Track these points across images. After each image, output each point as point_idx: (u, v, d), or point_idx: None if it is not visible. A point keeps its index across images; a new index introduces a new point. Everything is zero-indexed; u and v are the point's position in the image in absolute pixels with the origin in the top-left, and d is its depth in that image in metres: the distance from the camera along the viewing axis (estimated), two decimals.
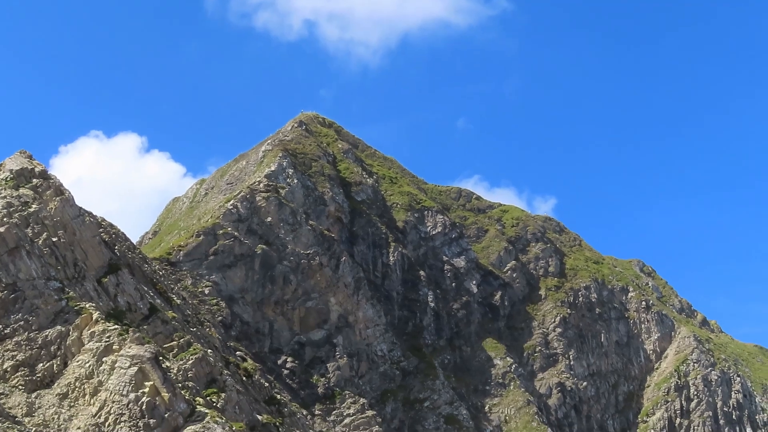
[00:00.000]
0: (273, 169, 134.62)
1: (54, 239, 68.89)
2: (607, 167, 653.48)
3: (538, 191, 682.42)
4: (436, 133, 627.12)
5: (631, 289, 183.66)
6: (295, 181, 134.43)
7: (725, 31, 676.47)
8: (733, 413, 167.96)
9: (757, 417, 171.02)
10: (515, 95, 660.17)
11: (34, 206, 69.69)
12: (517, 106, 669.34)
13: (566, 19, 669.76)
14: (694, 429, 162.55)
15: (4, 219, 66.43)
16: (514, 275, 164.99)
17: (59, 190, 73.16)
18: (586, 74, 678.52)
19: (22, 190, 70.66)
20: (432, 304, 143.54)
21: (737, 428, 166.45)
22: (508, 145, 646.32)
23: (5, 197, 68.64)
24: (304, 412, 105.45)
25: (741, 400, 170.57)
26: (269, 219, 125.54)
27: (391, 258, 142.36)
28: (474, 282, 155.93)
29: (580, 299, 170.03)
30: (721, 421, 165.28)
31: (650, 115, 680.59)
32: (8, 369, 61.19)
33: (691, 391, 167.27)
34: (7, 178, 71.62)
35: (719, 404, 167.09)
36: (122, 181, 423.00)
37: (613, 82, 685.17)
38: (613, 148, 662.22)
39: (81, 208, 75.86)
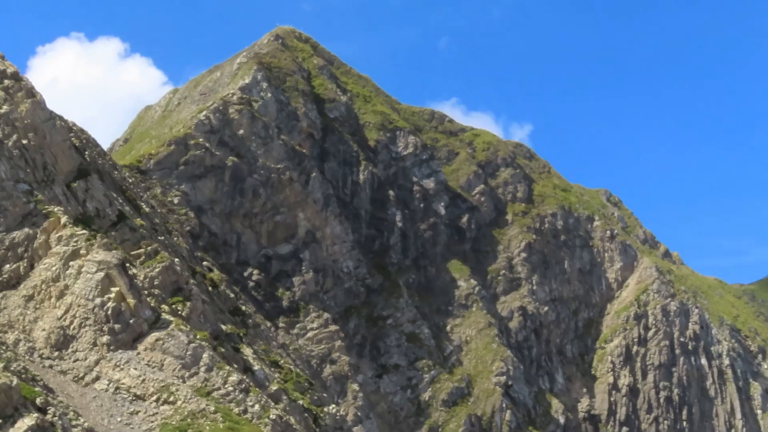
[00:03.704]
0: (247, 81, 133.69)
1: (24, 142, 68.46)
2: (584, 98, 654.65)
3: (515, 117, 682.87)
4: (418, 52, 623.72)
5: (596, 218, 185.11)
6: (269, 95, 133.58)
7: None
8: (690, 344, 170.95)
9: (712, 348, 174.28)
10: (502, 17, 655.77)
11: (4, 108, 69.10)
12: (502, 30, 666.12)
13: None
14: (650, 357, 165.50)
15: None
16: (482, 199, 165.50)
17: (31, 93, 72.47)
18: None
19: None
20: (399, 224, 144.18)
21: (692, 358, 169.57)
22: (489, 68, 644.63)
23: None
24: (268, 324, 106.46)
25: (698, 332, 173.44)
26: (241, 131, 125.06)
27: (361, 176, 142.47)
28: (442, 204, 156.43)
29: (546, 226, 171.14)
30: (677, 351, 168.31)
31: (629, 49, 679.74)
32: None
33: (650, 320, 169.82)
34: None
35: (676, 334, 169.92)
36: (101, 86, 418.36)
37: (600, 12, 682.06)
38: (592, 79, 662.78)
39: (52, 111, 75.22)
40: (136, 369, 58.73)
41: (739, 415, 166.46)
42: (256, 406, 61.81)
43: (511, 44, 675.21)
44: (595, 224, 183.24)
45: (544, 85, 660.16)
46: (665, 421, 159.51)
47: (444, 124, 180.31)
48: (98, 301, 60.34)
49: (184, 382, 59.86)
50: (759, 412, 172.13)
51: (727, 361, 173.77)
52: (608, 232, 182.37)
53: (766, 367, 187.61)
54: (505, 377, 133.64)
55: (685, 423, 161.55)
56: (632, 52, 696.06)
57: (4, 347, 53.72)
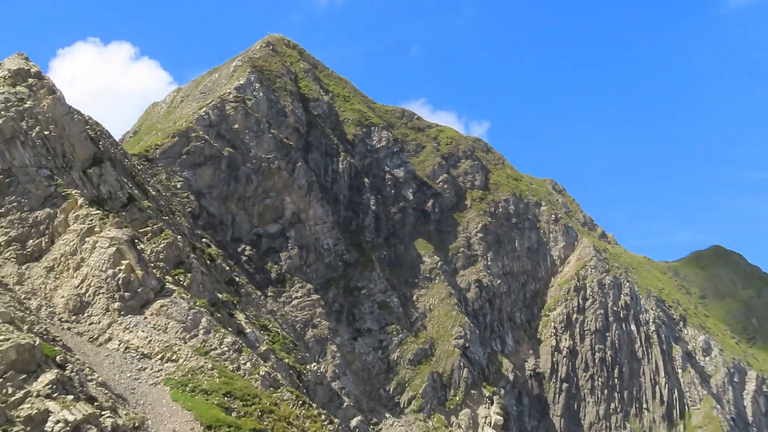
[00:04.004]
0: (242, 82, 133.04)
1: (45, 133, 67.92)
2: (536, 100, 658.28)
3: (475, 116, 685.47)
4: (391, 58, 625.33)
5: (543, 204, 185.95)
6: (261, 94, 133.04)
7: None
8: (621, 312, 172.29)
9: (640, 316, 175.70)
10: (466, 29, 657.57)
11: (28, 103, 68.48)
12: (466, 40, 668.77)
13: None
14: (587, 323, 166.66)
15: (2, 113, 65.32)
16: (445, 186, 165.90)
17: (52, 90, 71.86)
18: (537, 5, 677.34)
19: (18, 88, 69.29)
20: (373, 208, 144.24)
21: (623, 325, 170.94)
22: (454, 73, 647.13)
23: (3, 93, 67.35)
24: (259, 293, 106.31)
25: (628, 302, 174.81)
26: (236, 126, 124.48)
27: (341, 166, 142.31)
28: (410, 190, 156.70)
29: (500, 210, 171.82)
30: (611, 318, 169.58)
31: (574, 58, 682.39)
32: (2, 243, 60.89)
33: (587, 292, 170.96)
34: (5, 76, 70.12)
35: (610, 304, 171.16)
36: (113, 85, 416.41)
37: (550, 25, 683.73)
38: (543, 84, 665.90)
39: (70, 106, 74.58)
40: (143, 331, 58.64)
41: (662, 373, 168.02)
42: (248, 364, 61.92)
43: (473, 52, 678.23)
44: (542, 209, 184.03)
45: (501, 88, 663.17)
46: (599, 379, 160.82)
47: (413, 121, 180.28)
48: (110, 272, 60.17)
49: (185, 342, 59.86)
50: (680, 371, 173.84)
51: (653, 328, 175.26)
52: (553, 215, 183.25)
53: (686, 332, 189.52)
54: (462, 340, 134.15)
55: (616, 380, 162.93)
56: (576, 62, 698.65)
57: (28, 312, 53.48)
